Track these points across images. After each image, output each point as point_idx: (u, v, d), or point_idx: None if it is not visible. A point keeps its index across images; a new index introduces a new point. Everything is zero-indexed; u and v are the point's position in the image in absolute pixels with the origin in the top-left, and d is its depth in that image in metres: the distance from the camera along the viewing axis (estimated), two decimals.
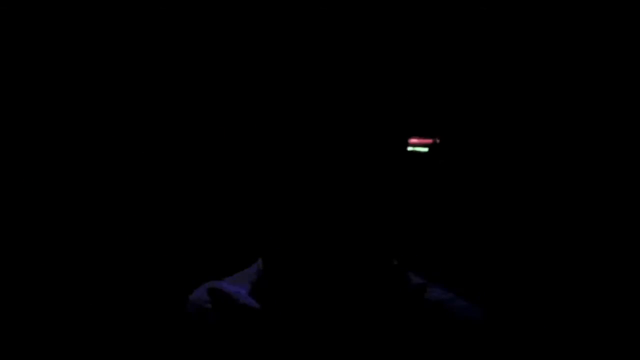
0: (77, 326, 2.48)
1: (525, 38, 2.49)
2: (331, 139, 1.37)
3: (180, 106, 2.58)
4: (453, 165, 2.46)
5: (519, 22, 2.49)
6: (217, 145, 2.53)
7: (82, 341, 2.46)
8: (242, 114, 2.52)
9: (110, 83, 2.57)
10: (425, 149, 2.21)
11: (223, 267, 1.58)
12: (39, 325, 2.49)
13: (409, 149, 1.43)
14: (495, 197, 2.49)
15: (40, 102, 2.56)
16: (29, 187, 2.54)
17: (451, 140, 2.47)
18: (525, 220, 2.49)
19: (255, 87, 2.49)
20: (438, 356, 1.40)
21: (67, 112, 2.57)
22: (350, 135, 1.38)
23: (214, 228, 2.52)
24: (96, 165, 2.56)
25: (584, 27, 2.46)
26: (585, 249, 2.45)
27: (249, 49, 2.52)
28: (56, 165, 2.56)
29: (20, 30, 2.53)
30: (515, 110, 2.52)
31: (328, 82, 1.41)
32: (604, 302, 2.41)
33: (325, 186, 1.36)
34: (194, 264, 2.48)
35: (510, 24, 2.49)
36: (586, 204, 2.46)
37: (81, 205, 2.55)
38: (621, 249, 2.43)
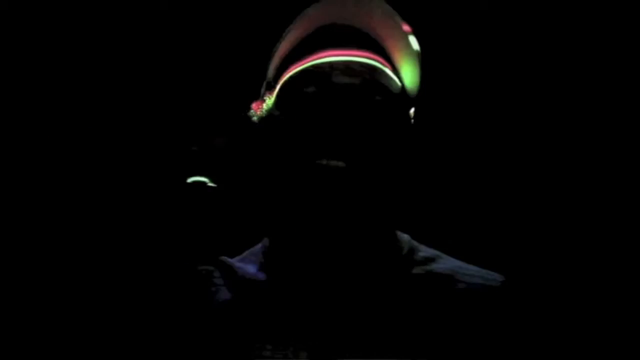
0: (78, 322, 2.48)
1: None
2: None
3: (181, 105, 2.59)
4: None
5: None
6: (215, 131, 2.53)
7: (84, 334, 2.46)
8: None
9: (110, 83, 2.58)
10: None
11: (230, 246, 1.60)
12: (38, 325, 2.50)
13: None
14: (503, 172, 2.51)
15: (40, 102, 2.56)
16: (28, 187, 2.55)
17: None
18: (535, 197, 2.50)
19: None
20: (454, 322, 1.39)
21: (66, 112, 2.57)
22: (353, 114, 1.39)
23: (221, 211, 2.52)
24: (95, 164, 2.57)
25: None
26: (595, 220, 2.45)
27: (251, 50, 2.53)
28: (56, 166, 2.56)
29: (20, 30, 2.54)
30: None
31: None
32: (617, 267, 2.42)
33: (328, 163, 1.36)
34: (199, 244, 2.49)
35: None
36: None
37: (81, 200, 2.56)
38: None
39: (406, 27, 1.43)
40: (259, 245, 1.53)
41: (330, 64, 1.40)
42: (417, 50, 1.45)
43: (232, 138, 2.34)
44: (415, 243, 1.51)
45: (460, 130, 2.52)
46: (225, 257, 1.52)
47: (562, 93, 2.50)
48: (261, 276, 1.45)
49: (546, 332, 1.43)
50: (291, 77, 1.41)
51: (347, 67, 1.40)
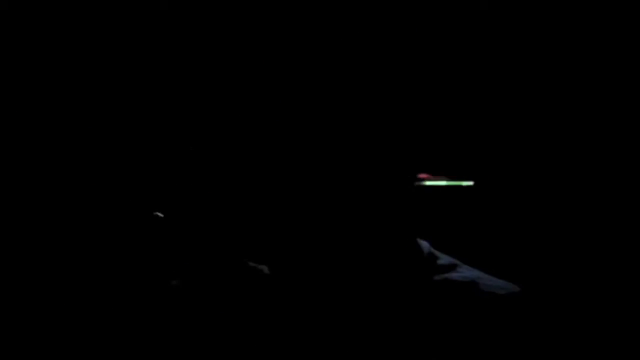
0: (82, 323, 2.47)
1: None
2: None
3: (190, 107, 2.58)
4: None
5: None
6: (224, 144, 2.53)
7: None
8: (247, 114, 2.52)
9: (110, 83, 2.57)
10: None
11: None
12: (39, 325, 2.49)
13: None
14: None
15: (40, 102, 2.56)
16: (28, 187, 2.54)
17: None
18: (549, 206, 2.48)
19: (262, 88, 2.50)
20: (474, 329, 1.40)
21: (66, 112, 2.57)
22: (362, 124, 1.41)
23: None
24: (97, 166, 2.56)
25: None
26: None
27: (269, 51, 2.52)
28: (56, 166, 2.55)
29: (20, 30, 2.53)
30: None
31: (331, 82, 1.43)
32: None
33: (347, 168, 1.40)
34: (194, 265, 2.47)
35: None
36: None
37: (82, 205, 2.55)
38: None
39: None
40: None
41: None
42: None
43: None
44: (434, 251, 1.53)
45: (461, 131, 2.52)
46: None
47: (563, 94, 2.50)
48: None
49: (566, 341, 1.44)
50: None
51: None
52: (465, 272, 1.50)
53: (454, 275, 1.49)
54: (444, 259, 1.53)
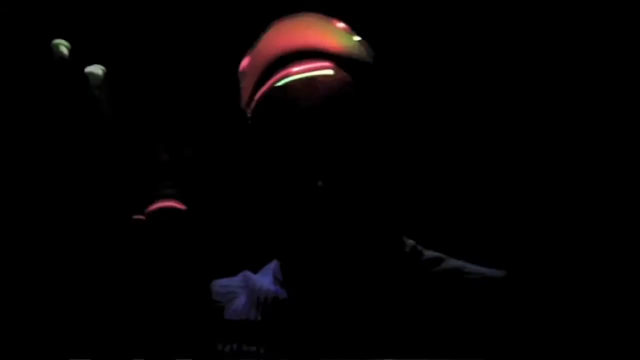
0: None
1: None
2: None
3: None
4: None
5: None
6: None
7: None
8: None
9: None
10: None
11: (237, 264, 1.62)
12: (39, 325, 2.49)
13: None
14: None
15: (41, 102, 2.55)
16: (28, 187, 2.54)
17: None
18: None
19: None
20: (462, 316, 1.42)
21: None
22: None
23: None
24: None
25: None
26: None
27: None
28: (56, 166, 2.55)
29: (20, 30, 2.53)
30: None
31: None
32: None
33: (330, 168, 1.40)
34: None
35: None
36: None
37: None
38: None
39: (341, 25, 1.49)
40: (273, 264, 1.57)
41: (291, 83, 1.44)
42: (356, 41, 1.49)
43: (202, 148, 2.33)
44: (420, 247, 1.56)
45: (460, 131, 2.52)
46: (248, 272, 1.57)
47: (563, 95, 2.50)
48: (283, 294, 1.49)
49: (550, 324, 1.46)
50: (258, 105, 1.47)
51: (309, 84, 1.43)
52: (450, 264, 1.53)
53: (440, 267, 1.51)
54: (429, 254, 1.55)
